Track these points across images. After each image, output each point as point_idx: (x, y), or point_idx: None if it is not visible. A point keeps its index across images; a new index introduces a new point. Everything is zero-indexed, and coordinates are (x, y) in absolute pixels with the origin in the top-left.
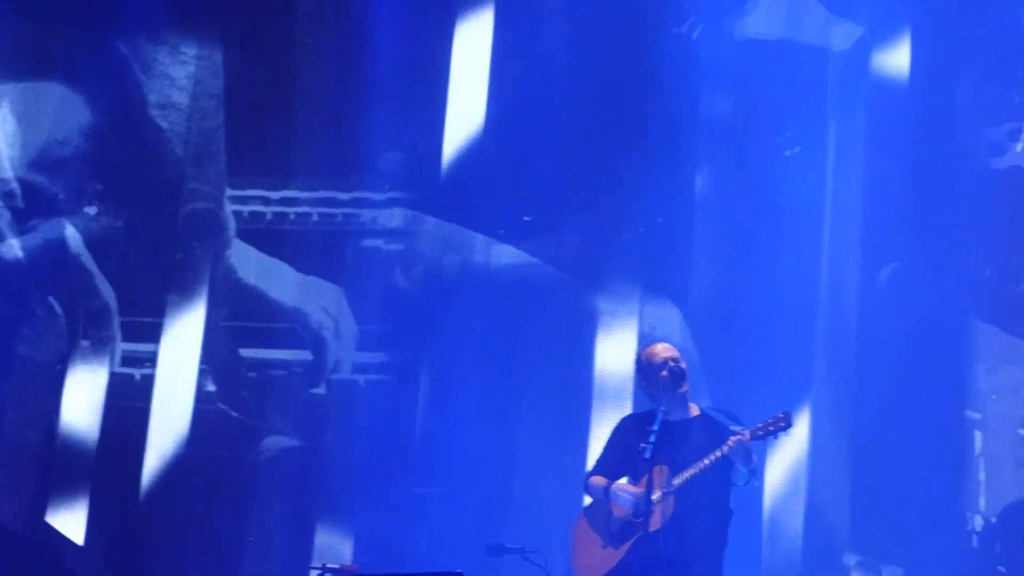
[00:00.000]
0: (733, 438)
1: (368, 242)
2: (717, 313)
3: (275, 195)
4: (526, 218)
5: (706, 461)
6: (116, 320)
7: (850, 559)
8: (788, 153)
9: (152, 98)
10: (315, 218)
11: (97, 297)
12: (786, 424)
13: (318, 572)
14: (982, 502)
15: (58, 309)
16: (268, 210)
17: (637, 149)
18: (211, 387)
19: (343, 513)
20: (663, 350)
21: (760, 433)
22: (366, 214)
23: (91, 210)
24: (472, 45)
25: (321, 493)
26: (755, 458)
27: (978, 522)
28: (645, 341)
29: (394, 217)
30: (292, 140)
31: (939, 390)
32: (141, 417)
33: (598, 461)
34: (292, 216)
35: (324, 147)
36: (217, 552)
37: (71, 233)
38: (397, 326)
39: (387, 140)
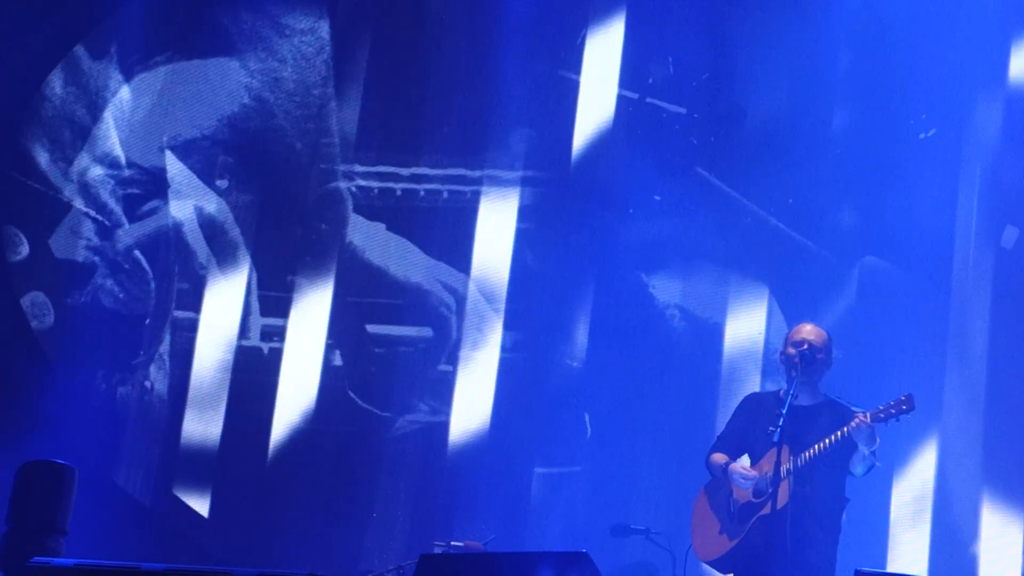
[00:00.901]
0: (857, 419)
1: (497, 220)
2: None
3: (405, 171)
4: (656, 197)
5: (829, 440)
6: (253, 294)
7: (980, 548)
8: (923, 136)
9: (256, 71)
10: (445, 195)
11: (233, 270)
12: (909, 407)
13: (442, 547)
14: None
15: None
16: (398, 187)
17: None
18: (338, 362)
19: (468, 490)
20: (807, 332)
21: (882, 416)
22: (496, 192)
23: (223, 183)
24: (606, 21)
25: (447, 470)
26: (878, 440)
27: None
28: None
29: (524, 195)
30: (421, 116)
31: None
32: (269, 391)
33: (720, 436)
34: (422, 193)
35: (453, 124)
36: (342, 527)
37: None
38: (526, 305)
39: (518, 117)
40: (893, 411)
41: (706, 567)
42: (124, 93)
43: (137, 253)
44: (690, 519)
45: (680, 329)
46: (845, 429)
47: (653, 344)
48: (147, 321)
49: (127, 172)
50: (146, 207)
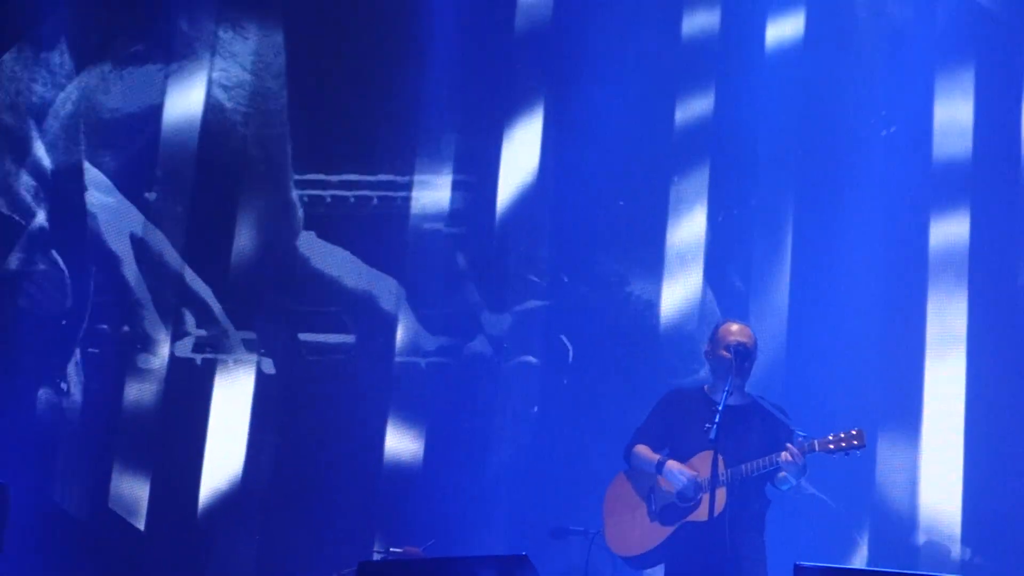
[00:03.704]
0: (791, 453)
1: (428, 225)
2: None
3: (334, 178)
4: (620, 203)
5: (763, 463)
6: (188, 304)
7: (919, 538)
8: (885, 133)
9: (216, 76)
10: (375, 201)
11: (166, 280)
12: (859, 444)
13: (381, 554)
14: None
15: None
16: (327, 193)
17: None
18: (271, 371)
19: (407, 498)
20: (738, 331)
21: (831, 447)
22: (426, 196)
23: (151, 195)
24: (534, 21)
25: (385, 476)
26: (807, 470)
27: None
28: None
29: (455, 200)
30: (350, 122)
31: None
32: (203, 401)
33: (640, 429)
34: (352, 199)
35: (383, 129)
36: (281, 535)
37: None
38: (457, 309)
39: (448, 122)
40: (844, 445)
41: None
42: (57, 96)
43: (56, 256)
44: (602, 506)
45: (618, 328)
46: (776, 458)
47: (589, 345)
48: (66, 327)
49: (51, 178)
50: (70, 213)
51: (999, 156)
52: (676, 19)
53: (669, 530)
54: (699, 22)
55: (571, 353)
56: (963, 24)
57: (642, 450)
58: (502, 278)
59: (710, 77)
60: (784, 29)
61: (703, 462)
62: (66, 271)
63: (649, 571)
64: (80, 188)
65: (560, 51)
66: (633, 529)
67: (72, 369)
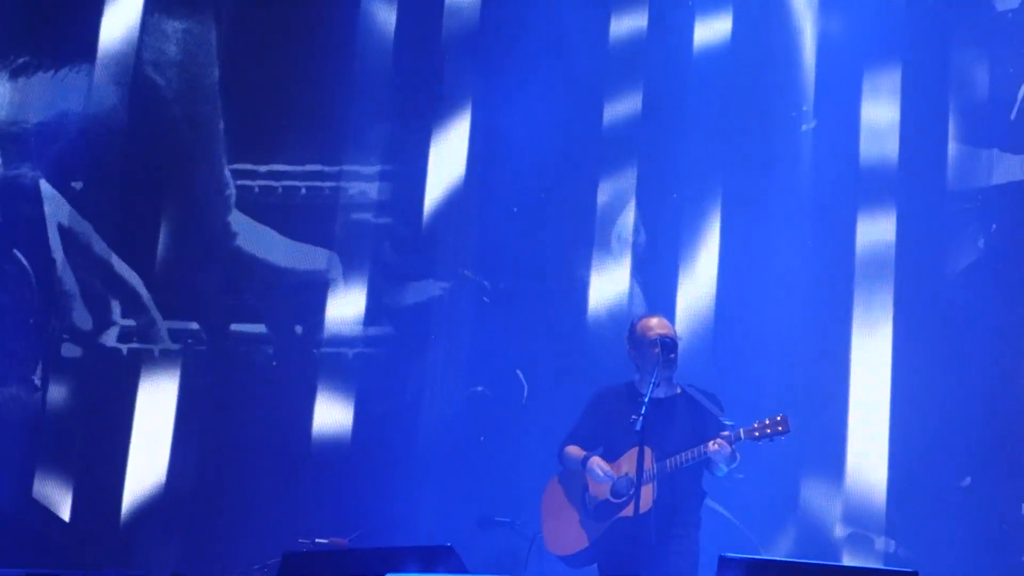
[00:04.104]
0: (718, 442)
1: (356, 215)
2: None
3: (262, 168)
4: (514, 209)
5: (690, 455)
6: (115, 296)
7: (842, 530)
8: (805, 127)
9: (147, 55)
10: (303, 191)
11: (94, 270)
12: (784, 430)
13: (307, 545)
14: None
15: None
16: (256, 184)
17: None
18: (198, 360)
19: (333, 489)
20: (658, 324)
21: (756, 435)
22: (354, 187)
23: (78, 185)
24: (463, 18)
25: (311, 466)
26: (739, 458)
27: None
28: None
29: (383, 191)
30: (279, 113)
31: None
32: (129, 391)
33: (573, 430)
34: (280, 190)
35: (312, 120)
36: (207, 525)
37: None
38: (385, 300)
39: (377, 113)
40: (769, 432)
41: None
42: None
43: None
44: (541, 507)
45: (543, 318)
46: (704, 449)
47: (514, 336)
48: None
49: None
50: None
51: (925, 155)
52: (604, 20)
53: (601, 527)
54: (627, 24)
55: (501, 347)
56: (890, 25)
57: (572, 450)
58: (429, 269)
59: (638, 78)
60: (712, 30)
61: (633, 457)
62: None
63: None
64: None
65: (489, 48)
66: (568, 529)
67: None
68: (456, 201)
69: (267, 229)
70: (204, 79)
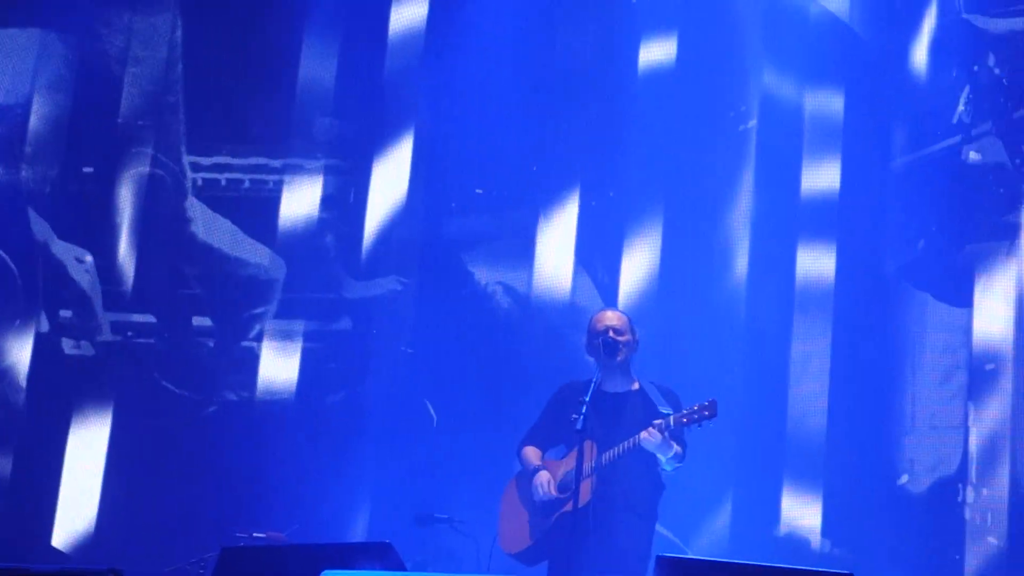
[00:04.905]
0: (646, 432)
1: (300, 209)
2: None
3: (207, 160)
4: (478, 191)
5: (624, 446)
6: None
7: (779, 530)
8: (742, 128)
9: (112, 50)
10: (247, 184)
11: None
12: (711, 413)
13: (244, 539)
14: (914, 464)
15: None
16: (199, 176)
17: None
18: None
19: (271, 483)
20: (608, 318)
21: (684, 421)
22: (298, 181)
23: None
24: (409, 22)
25: (247, 459)
26: (675, 447)
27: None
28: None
29: (328, 185)
30: (223, 106)
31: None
32: (69, 384)
33: (533, 427)
34: (223, 182)
35: (256, 113)
36: (144, 519)
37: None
38: (328, 294)
39: (321, 106)
40: (696, 416)
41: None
42: None
43: None
44: (499, 509)
45: (485, 314)
46: (636, 439)
47: (455, 333)
48: None
49: None
50: None
51: (867, 156)
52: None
53: (545, 524)
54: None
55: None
56: (833, 47)
57: (528, 453)
58: (372, 264)
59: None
60: (657, 50)
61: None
62: None
63: None
64: None
65: (436, 49)
66: (520, 527)
67: None
68: (400, 194)
69: (211, 227)
70: (161, 70)
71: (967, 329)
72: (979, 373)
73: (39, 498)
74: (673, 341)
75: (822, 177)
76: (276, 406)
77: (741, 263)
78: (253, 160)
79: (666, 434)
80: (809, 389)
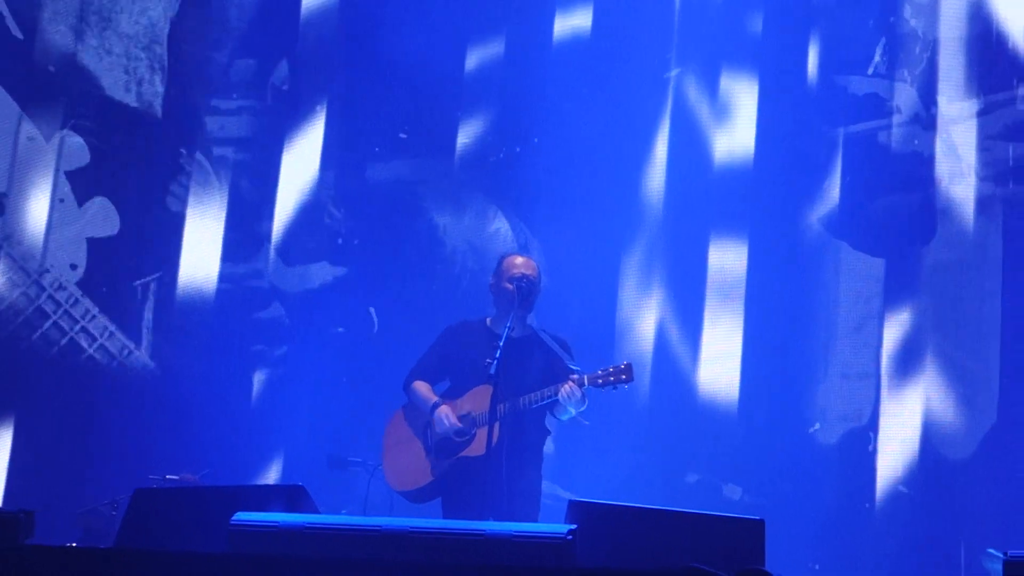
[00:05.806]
0: (568, 385)
1: (216, 151)
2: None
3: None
4: (402, 135)
5: (540, 396)
6: None
7: (691, 477)
8: (667, 75)
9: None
10: None
11: None
12: (627, 377)
13: (157, 481)
14: (825, 412)
15: None
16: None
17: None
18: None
19: (184, 426)
20: (522, 264)
21: (599, 382)
22: (213, 122)
23: None
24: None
25: (164, 404)
26: (587, 403)
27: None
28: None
29: (242, 126)
30: None
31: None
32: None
33: (420, 361)
34: None
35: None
36: (59, 462)
37: None
38: (245, 234)
39: (239, 47)
40: (612, 379)
41: None
42: None
43: None
44: (382, 441)
45: (403, 259)
46: (555, 391)
47: (375, 275)
48: None
49: None
50: None
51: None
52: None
53: (444, 465)
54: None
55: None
56: (747, 34)
57: (420, 387)
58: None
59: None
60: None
61: (480, 395)
62: None
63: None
64: None
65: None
66: (409, 465)
67: None
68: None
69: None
70: None
71: (880, 278)
72: (892, 323)
73: None
74: (586, 289)
75: (738, 134)
76: (189, 348)
77: (656, 208)
78: None
79: (583, 391)
80: (722, 335)
